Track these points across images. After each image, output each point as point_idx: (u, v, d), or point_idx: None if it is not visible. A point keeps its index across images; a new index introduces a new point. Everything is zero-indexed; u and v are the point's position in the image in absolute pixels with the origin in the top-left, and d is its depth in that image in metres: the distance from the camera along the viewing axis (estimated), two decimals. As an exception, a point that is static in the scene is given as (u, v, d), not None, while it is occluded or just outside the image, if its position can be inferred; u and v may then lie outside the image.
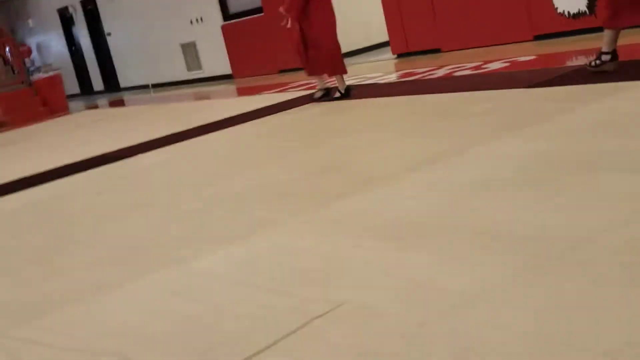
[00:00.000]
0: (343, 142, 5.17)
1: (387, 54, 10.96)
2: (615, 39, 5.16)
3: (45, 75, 15.35)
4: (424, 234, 2.80)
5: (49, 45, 19.10)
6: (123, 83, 17.41)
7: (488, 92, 5.73)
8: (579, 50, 6.85)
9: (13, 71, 15.71)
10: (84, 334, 2.57)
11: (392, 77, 8.41)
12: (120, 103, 14.72)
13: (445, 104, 5.74)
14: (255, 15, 12.68)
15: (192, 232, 3.63)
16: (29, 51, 19.23)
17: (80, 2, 17.83)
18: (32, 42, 18.89)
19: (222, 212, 3.89)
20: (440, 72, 7.63)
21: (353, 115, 6.41)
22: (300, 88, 9.22)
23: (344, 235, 3.02)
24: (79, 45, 18.71)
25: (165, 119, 9.85)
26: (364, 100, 6.90)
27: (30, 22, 19.69)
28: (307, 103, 7.46)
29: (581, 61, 6.02)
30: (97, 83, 18.42)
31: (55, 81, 15.03)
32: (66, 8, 18.44)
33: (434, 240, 2.72)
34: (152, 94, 15.49)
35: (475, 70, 7.21)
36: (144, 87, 16.62)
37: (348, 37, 12.08)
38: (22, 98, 14.68)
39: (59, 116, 14.21)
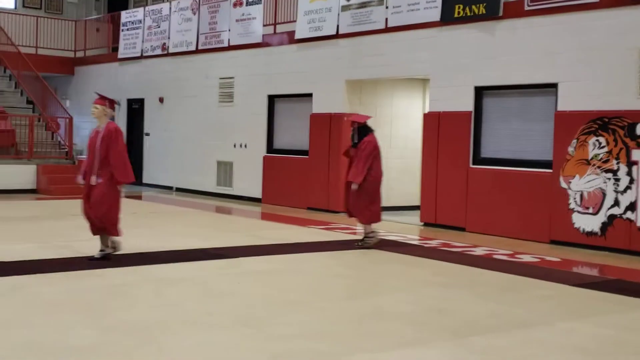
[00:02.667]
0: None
1: (408, 218, 13.04)
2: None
3: (90, 157, 16.86)
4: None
5: (78, 127, 20.64)
6: (146, 179, 19.01)
7: (540, 281, 7.67)
8: (596, 264, 9.00)
9: (59, 146, 17.22)
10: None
11: (433, 243, 10.33)
12: (153, 198, 16.27)
13: (509, 282, 7.64)
14: (300, 156, 14.72)
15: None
16: (58, 127, 20.68)
17: (127, 99, 19.72)
18: (62, 120, 20.30)
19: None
20: (479, 251, 9.61)
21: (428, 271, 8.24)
22: (343, 230, 11.11)
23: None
24: (112, 135, 20.37)
25: (228, 227, 11.43)
26: (421, 259, 8.80)
27: (68, 102, 21.33)
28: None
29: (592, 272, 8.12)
30: (119, 173, 19.97)
31: (98, 165, 16.52)
32: (110, 100, 20.26)
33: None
34: (175, 196, 17.12)
35: (511, 257, 9.21)
36: (166, 187, 18.25)
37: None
38: (64, 172, 16.09)
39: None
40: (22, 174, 15.57)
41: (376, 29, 13.37)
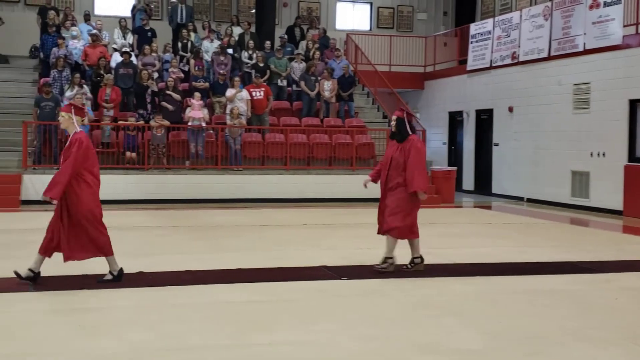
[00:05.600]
0: None
1: None
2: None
3: (443, 168, 17.43)
4: None
5: (429, 139, 21.43)
6: (495, 190, 18.96)
7: None
8: None
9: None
10: None
11: None
12: (504, 209, 16.16)
13: None
14: (669, 166, 13.42)
15: None
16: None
17: (476, 110, 19.94)
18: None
19: None
20: None
21: None
22: None
23: None
24: (461, 145, 20.80)
25: (589, 240, 10.77)
26: None
27: (418, 115, 22.29)
28: None
29: None
30: (468, 183, 20.23)
31: (450, 175, 16.97)
32: (459, 112, 20.73)
33: None
34: (525, 206, 16.77)
35: None
36: (516, 198, 17.98)
37: None
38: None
39: (450, 207, 16.06)
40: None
41: None
